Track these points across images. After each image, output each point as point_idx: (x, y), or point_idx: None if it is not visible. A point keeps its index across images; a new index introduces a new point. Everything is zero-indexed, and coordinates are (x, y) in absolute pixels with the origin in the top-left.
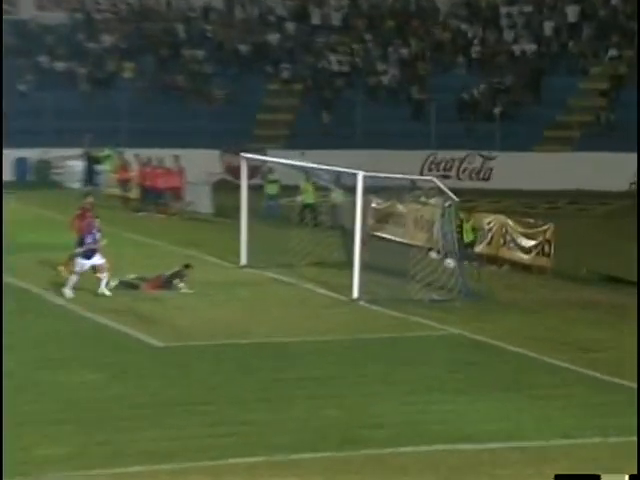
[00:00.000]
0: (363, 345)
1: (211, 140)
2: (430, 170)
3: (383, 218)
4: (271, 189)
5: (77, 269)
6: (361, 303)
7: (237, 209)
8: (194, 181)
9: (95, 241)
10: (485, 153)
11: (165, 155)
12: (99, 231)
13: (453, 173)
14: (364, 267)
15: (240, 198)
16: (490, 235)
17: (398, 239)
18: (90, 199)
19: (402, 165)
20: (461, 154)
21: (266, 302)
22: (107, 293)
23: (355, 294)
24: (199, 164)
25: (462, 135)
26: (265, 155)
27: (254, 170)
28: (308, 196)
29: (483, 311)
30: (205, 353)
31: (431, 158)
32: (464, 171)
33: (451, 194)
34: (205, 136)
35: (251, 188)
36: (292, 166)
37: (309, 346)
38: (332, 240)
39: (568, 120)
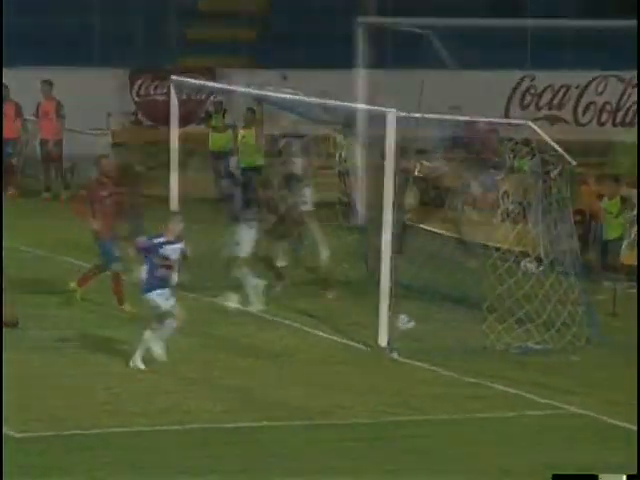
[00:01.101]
0: (400, 435)
1: (111, 51)
2: (524, 106)
3: (436, 197)
4: (220, 142)
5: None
6: (394, 356)
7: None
8: (79, 128)
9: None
10: (627, 75)
11: (23, 79)
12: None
13: (567, 112)
14: (400, 288)
15: (168, 160)
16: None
17: (462, 236)
18: (107, 162)
19: (471, 97)
20: (582, 76)
21: (214, 353)
22: (141, 366)
23: (384, 340)
24: (89, 96)
25: (582, 41)
26: (213, 80)
27: (193, 108)
28: (248, 152)
29: (628, 372)
30: (95, 448)
31: (526, 83)
32: (588, 108)
33: (563, 152)
34: (101, 44)
35: (188, 141)
36: (263, 99)
37: (295, 435)
38: (339, 238)
39: None
